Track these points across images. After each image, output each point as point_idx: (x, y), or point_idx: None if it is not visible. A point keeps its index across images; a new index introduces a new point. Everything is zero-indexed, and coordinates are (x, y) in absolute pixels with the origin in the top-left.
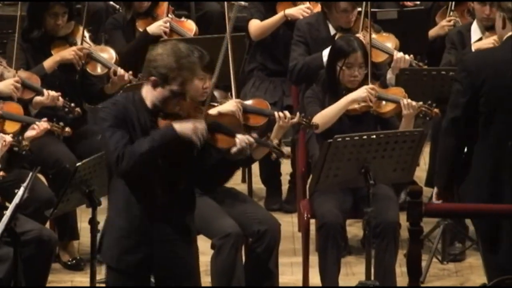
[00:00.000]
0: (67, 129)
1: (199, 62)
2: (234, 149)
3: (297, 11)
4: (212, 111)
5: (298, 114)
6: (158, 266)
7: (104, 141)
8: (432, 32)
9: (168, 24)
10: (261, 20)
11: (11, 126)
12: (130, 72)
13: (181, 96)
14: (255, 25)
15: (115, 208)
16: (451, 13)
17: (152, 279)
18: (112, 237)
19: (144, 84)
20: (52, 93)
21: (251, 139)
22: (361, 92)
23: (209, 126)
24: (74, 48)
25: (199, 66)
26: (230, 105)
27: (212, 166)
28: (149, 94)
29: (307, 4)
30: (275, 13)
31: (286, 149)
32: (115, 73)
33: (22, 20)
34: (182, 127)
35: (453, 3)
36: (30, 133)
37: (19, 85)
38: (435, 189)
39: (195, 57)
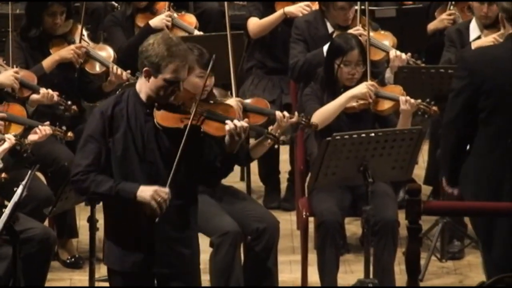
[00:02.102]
0: (69, 133)
1: (199, 60)
2: (226, 136)
3: (297, 8)
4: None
5: (297, 114)
6: (159, 265)
7: (77, 148)
8: (431, 25)
9: (170, 18)
10: (260, 18)
11: (14, 129)
12: (128, 71)
13: (175, 85)
14: (254, 23)
15: (113, 209)
16: (452, 8)
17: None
18: (113, 239)
19: (138, 78)
20: (48, 91)
21: (243, 123)
22: (362, 88)
23: (202, 114)
24: (72, 46)
25: (192, 56)
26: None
27: (213, 161)
28: (143, 86)
29: (306, 1)
30: (273, 11)
31: (283, 137)
32: (112, 72)
33: (18, 19)
34: (143, 193)
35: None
36: (32, 137)
37: (19, 76)
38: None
39: (186, 46)
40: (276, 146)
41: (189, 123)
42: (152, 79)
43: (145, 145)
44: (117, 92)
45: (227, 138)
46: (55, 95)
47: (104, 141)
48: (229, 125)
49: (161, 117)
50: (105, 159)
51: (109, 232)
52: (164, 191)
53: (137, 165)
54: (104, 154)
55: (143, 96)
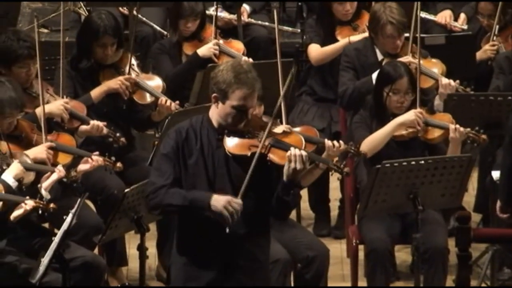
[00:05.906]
0: (118, 164)
1: None
2: (286, 165)
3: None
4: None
5: (345, 142)
6: None
7: (152, 168)
8: (476, 56)
9: (217, 47)
10: (320, 44)
11: (63, 158)
12: (177, 102)
13: (242, 112)
14: (316, 50)
15: (181, 235)
16: (495, 38)
17: None
18: (180, 263)
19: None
20: (97, 122)
21: (304, 153)
22: (409, 115)
23: (269, 142)
24: (121, 78)
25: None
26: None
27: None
28: (214, 113)
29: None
30: (333, 37)
31: (347, 168)
32: (161, 103)
33: (68, 47)
34: (216, 202)
35: (497, 27)
36: (83, 167)
37: (69, 106)
38: (498, 203)
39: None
40: (340, 178)
41: (258, 151)
42: (220, 105)
43: (215, 171)
44: (166, 120)
45: (286, 166)
46: (104, 127)
47: (178, 161)
48: (289, 152)
49: (231, 144)
50: (178, 178)
51: (177, 256)
52: (237, 202)
53: (207, 191)
54: (178, 173)
55: (214, 122)
